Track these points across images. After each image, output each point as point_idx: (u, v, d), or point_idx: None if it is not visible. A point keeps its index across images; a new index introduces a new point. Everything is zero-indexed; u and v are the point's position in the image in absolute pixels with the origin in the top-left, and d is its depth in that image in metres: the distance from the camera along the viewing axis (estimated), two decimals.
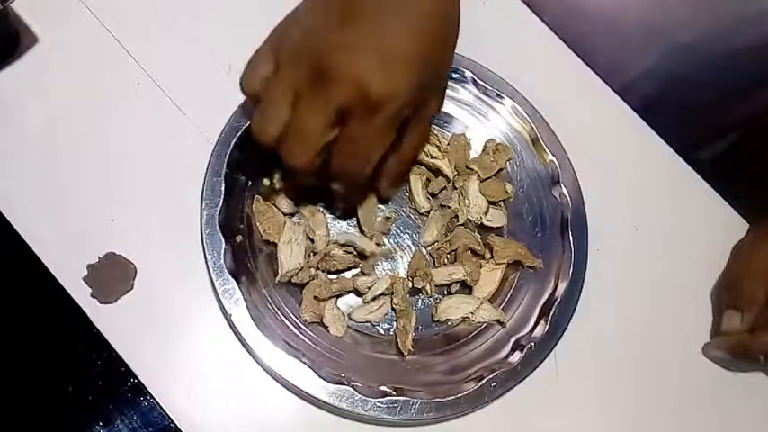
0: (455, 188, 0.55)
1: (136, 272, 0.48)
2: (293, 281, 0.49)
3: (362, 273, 0.51)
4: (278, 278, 0.49)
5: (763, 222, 0.56)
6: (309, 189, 0.51)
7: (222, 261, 0.46)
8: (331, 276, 0.51)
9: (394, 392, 0.45)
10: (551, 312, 0.49)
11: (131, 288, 0.48)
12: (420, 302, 0.52)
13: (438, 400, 0.45)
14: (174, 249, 0.49)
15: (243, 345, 0.46)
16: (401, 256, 0.53)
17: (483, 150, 0.56)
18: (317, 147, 0.41)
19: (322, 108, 0.39)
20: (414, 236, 0.53)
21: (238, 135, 0.49)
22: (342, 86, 0.38)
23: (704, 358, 0.54)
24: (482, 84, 0.55)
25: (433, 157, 0.54)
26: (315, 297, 0.49)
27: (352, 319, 0.50)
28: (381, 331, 0.50)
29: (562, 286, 0.50)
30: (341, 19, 0.39)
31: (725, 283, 0.55)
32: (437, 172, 0.54)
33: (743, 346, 0.51)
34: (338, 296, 0.50)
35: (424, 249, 0.53)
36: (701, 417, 0.52)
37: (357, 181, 0.44)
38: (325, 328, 0.49)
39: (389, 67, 0.38)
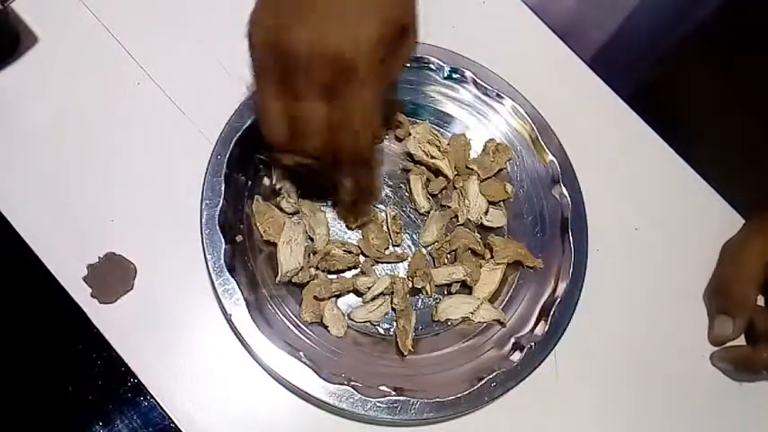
0: (455, 188, 0.55)
1: (136, 272, 0.48)
2: (293, 281, 0.49)
3: (362, 273, 0.51)
4: (278, 278, 0.49)
5: (752, 220, 0.55)
6: (320, 186, 0.51)
7: (222, 261, 0.46)
8: (331, 276, 0.51)
9: (394, 392, 0.45)
10: (551, 312, 0.49)
11: (131, 288, 0.48)
12: (420, 302, 0.52)
13: (438, 400, 0.45)
14: (174, 249, 0.49)
15: (243, 345, 0.46)
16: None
17: (483, 150, 0.56)
18: (322, 134, 0.41)
19: (309, 94, 0.39)
20: (414, 236, 0.53)
21: (238, 135, 0.49)
22: (310, 65, 0.38)
23: (704, 358, 0.54)
24: (482, 84, 0.55)
25: (433, 157, 0.54)
26: (315, 297, 0.49)
27: (352, 319, 0.50)
28: (381, 331, 0.50)
29: (562, 286, 0.50)
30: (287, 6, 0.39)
31: (714, 287, 0.54)
32: (437, 172, 0.54)
33: (745, 360, 0.51)
34: (338, 296, 0.50)
35: (424, 249, 0.53)
36: (700, 416, 0.52)
37: (364, 156, 0.43)
38: (326, 328, 0.49)
39: (340, 23, 0.38)
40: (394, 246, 0.53)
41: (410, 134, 0.54)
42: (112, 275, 0.48)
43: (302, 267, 0.49)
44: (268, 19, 0.39)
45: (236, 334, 0.46)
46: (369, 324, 0.50)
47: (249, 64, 0.41)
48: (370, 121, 0.41)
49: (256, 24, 0.40)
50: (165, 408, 0.46)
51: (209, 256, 0.46)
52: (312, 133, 0.41)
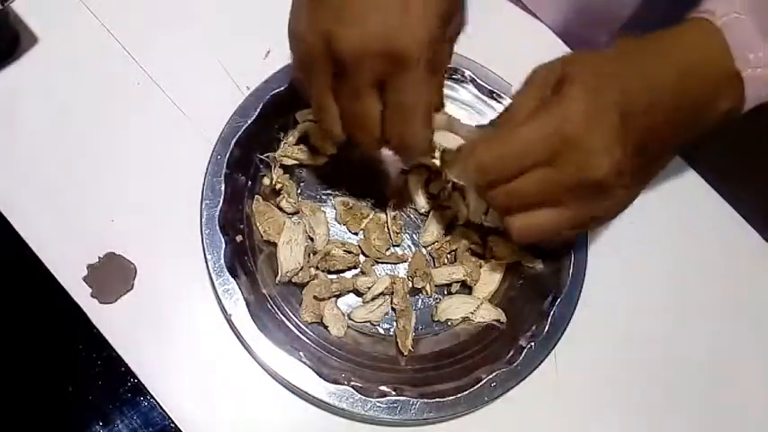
0: (455, 188, 0.54)
1: (136, 272, 0.48)
2: (293, 281, 0.49)
3: (362, 273, 0.51)
4: (278, 278, 0.49)
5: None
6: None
7: (222, 261, 0.46)
8: (331, 276, 0.51)
9: (394, 392, 0.45)
10: (551, 312, 0.49)
11: (131, 288, 0.48)
12: (420, 302, 0.52)
13: (438, 400, 0.45)
14: (174, 249, 0.49)
15: (243, 345, 0.46)
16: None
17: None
18: (376, 127, 0.41)
19: (365, 91, 0.40)
20: (414, 236, 0.53)
21: (238, 135, 0.49)
22: (362, 63, 0.38)
23: (704, 357, 0.54)
24: (482, 84, 0.55)
25: (432, 157, 0.54)
26: (315, 297, 0.49)
27: (352, 319, 0.50)
28: (381, 331, 0.50)
29: (562, 286, 0.50)
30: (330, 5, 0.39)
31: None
32: (437, 172, 0.54)
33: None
34: (338, 296, 0.50)
35: (424, 249, 0.53)
36: (700, 416, 0.52)
37: (421, 148, 0.43)
38: (326, 328, 0.49)
39: (387, 18, 0.38)
40: (394, 246, 0.53)
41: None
42: (112, 275, 0.48)
43: (302, 267, 0.49)
44: (314, 23, 0.39)
45: (236, 334, 0.46)
46: (369, 324, 0.50)
47: (296, 66, 0.42)
48: (428, 112, 0.42)
49: (302, 30, 0.40)
50: (165, 408, 0.46)
51: (209, 256, 0.46)
52: (371, 128, 0.41)
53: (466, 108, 0.56)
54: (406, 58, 0.38)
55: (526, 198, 0.41)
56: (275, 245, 0.50)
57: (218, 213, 0.47)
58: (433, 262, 0.53)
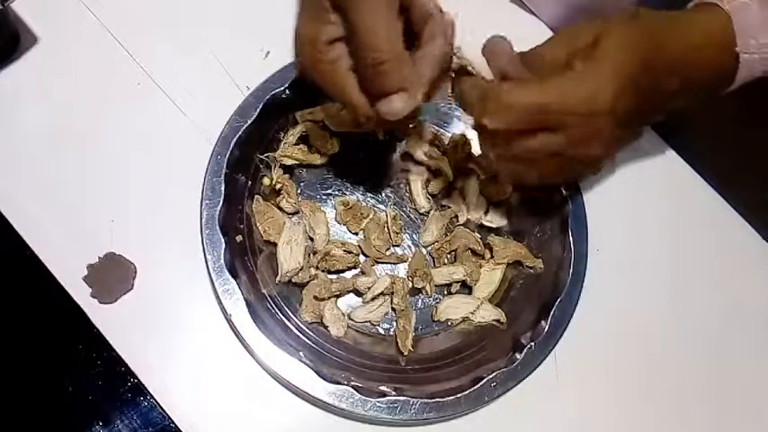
0: (455, 188, 0.55)
1: (136, 272, 0.48)
2: (293, 281, 0.49)
3: (362, 273, 0.51)
4: (278, 278, 0.49)
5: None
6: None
7: (222, 261, 0.46)
8: (331, 276, 0.51)
9: (394, 392, 0.45)
10: (551, 312, 0.49)
11: (131, 288, 0.48)
12: (420, 302, 0.52)
13: (438, 400, 0.45)
14: (174, 249, 0.49)
15: (243, 345, 0.46)
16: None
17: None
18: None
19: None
20: (414, 236, 0.53)
21: (238, 135, 0.49)
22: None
23: (704, 357, 0.54)
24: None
25: (432, 157, 0.54)
26: (315, 297, 0.49)
27: (352, 319, 0.50)
28: (381, 331, 0.50)
29: (562, 286, 0.50)
30: None
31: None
32: (437, 172, 0.54)
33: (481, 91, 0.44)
34: (338, 296, 0.50)
35: (424, 249, 0.53)
36: (700, 417, 0.52)
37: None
38: (326, 328, 0.49)
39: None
40: (394, 246, 0.53)
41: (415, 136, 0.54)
42: (112, 275, 0.48)
43: (302, 267, 0.49)
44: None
45: (236, 334, 0.46)
46: (369, 324, 0.50)
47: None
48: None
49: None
50: (165, 408, 0.46)
51: (209, 256, 0.46)
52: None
53: None
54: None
55: (536, 155, 0.43)
56: (275, 245, 0.50)
57: (218, 213, 0.47)
58: (433, 262, 0.53)
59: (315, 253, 0.50)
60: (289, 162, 0.52)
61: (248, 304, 0.45)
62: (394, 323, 0.50)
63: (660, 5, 0.46)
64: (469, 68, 0.46)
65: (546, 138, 0.41)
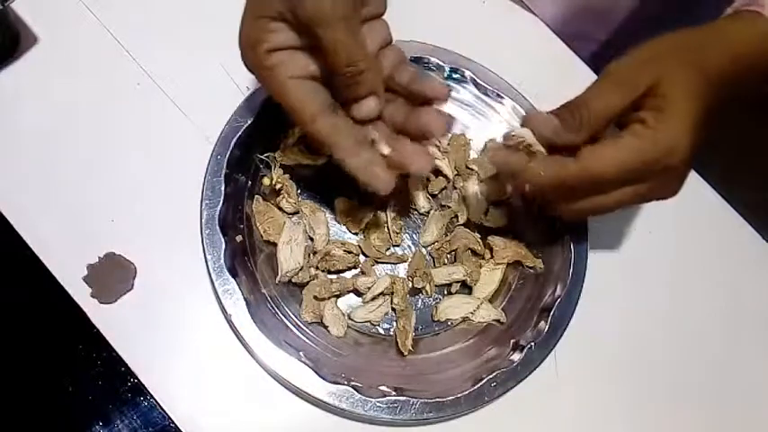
0: (455, 188, 0.55)
1: (136, 272, 0.48)
2: (293, 281, 0.49)
3: (362, 273, 0.51)
4: (278, 278, 0.49)
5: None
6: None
7: (222, 261, 0.46)
8: (331, 276, 0.51)
9: (394, 392, 0.45)
10: (551, 312, 0.49)
11: (131, 288, 0.48)
12: (420, 302, 0.52)
13: (438, 400, 0.45)
14: (174, 249, 0.49)
15: (243, 345, 0.46)
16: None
17: (483, 150, 0.56)
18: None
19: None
20: (414, 236, 0.53)
21: (238, 135, 0.49)
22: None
23: (704, 358, 0.54)
24: (482, 84, 0.55)
25: (433, 157, 0.54)
26: (315, 297, 0.49)
27: (352, 319, 0.50)
28: (381, 331, 0.50)
29: (562, 286, 0.50)
30: None
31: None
32: (437, 172, 0.54)
33: (518, 166, 0.44)
34: (338, 296, 0.50)
35: (424, 249, 0.53)
36: (700, 417, 0.52)
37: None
38: (326, 328, 0.49)
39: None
40: (394, 246, 0.53)
41: None
42: (112, 275, 0.48)
43: (302, 267, 0.49)
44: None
45: (236, 334, 0.46)
46: (369, 324, 0.50)
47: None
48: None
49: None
50: (165, 408, 0.46)
51: (209, 256, 0.46)
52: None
53: (466, 108, 0.56)
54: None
55: (614, 208, 0.44)
56: (275, 245, 0.50)
57: (218, 213, 0.47)
58: (433, 262, 0.53)
59: (315, 253, 0.50)
60: (289, 162, 0.52)
61: (248, 304, 0.45)
62: (394, 323, 0.50)
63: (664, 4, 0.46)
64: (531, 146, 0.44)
65: (622, 192, 0.43)
